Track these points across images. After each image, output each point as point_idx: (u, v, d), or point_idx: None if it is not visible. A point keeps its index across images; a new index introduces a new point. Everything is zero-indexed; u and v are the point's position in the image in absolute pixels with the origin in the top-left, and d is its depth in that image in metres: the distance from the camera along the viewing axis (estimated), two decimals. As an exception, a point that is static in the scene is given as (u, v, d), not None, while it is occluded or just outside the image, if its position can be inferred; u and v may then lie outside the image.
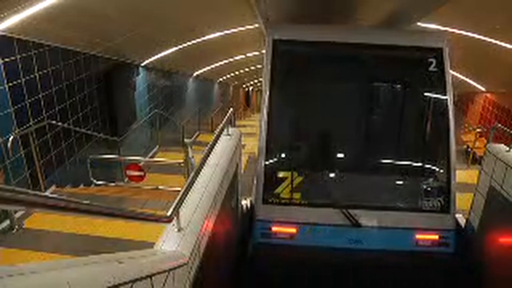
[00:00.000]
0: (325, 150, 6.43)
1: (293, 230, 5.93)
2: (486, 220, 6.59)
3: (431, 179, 6.10)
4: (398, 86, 6.73)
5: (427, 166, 6.25)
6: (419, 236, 5.86)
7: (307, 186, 6.03)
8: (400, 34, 6.93)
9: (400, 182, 6.32)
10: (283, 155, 6.32)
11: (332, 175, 6.25)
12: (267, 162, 6.00)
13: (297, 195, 6.01)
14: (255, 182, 6.23)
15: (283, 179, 6.05)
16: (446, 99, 6.04)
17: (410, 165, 6.37)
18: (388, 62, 6.37)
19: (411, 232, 5.87)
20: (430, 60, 6.09)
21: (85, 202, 2.15)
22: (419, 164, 6.31)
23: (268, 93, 6.08)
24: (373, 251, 5.83)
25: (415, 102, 6.57)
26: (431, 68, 6.09)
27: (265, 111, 6.08)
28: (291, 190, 6.01)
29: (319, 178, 6.17)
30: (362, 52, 6.26)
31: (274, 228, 5.96)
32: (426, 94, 6.37)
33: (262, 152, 6.04)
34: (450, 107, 6.04)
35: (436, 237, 5.89)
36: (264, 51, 6.39)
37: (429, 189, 6.01)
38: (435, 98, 6.24)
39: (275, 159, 6.13)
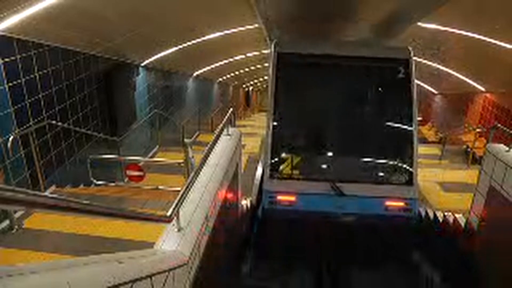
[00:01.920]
0: (317, 139, 8.36)
1: (292, 198, 7.78)
2: (486, 220, 6.61)
3: (398, 160, 8.02)
4: (375, 88, 8.67)
5: (396, 150, 8.13)
6: (389, 203, 7.69)
7: (303, 165, 8.04)
8: (377, 48, 9.22)
9: (374, 162, 8.16)
10: (284, 142, 8.16)
11: (322, 157, 8.21)
12: (272, 148, 7.91)
13: (295, 172, 8.01)
14: (263, 162, 8.62)
15: (285, 160, 8.05)
16: (411, 99, 7.91)
17: (382, 149, 8.18)
18: (367, 69, 8.36)
19: (382, 200, 7.67)
20: (400, 68, 8.11)
21: (85, 202, 2.15)
22: (390, 149, 8.18)
23: (273, 94, 8.01)
24: (353, 214, 7.72)
25: (388, 101, 8.55)
26: (400, 75, 8.14)
27: (271, 109, 7.98)
28: (291, 168, 8.00)
29: (313, 159, 8.20)
30: (346, 62, 8.23)
31: (278, 197, 7.81)
32: (396, 94, 8.34)
33: (269, 139, 7.94)
34: (414, 105, 7.89)
35: (402, 204, 7.71)
36: (270, 60, 8.31)
37: (396, 167, 7.99)
38: (403, 97, 8.03)
39: (279, 145, 7.99)
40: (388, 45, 10.50)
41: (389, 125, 8.22)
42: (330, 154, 8.19)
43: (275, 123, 7.98)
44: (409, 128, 7.86)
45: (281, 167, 7.99)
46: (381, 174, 8.05)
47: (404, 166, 7.86)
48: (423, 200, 9.37)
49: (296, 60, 8.34)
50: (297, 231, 7.98)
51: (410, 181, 7.68)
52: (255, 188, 9.62)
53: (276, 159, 7.98)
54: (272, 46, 8.26)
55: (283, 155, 8.07)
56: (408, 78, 8.01)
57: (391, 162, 8.08)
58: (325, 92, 8.52)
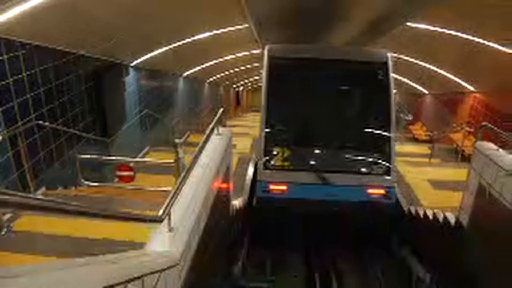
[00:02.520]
0: (305, 134, 9.20)
1: (284, 187, 8.67)
2: (475, 217, 6.66)
3: (377, 153, 8.88)
4: (356, 88, 9.57)
5: (375, 144, 9.00)
6: (371, 191, 8.66)
7: (293, 158, 8.91)
8: (358, 52, 10.02)
9: (358, 156, 9.04)
10: (276, 137, 9.02)
11: (310, 150, 8.99)
12: (265, 142, 8.83)
13: (286, 164, 8.91)
14: (257, 155, 9.51)
15: (277, 154, 8.91)
16: (389, 98, 8.83)
17: (363, 144, 9.11)
18: (349, 71, 9.16)
19: (365, 188, 8.63)
20: (378, 70, 8.97)
21: (75, 203, 2.13)
22: (369, 143, 9.10)
23: (266, 94, 8.94)
24: (339, 201, 8.55)
25: (368, 99, 9.49)
26: (378, 76, 8.99)
27: (264, 107, 8.89)
28: (282, 160, 8.90)
29: (302, 153, 8.96)
30: (330, 65, 9.06)
31: (271, 186, 8.68)
32: (374, 94, 9.24)
33: (262, 134, 8.84)
34: (392, 103, 8.81)
35: (383, 191, 8.67)
36: (263, 63, 9.31)
37: (377, 160, 8.85)
38: (382, 97, 8.94)
39: (271, 140, 8.90)
40: (368, 50, 11.27)
41: (369, 122, 9.26)
42: (317, 147, 9.05)
43: (268, 120, 8.91)
44: (387, 125, 8.84)
45: (273, 160, 8.90)
46: (362, 165, 8.95)
47: (383, 158, 8.82)
48: (412, 198, 9.47)
49: (285, 63, 9.16)
50: (288, 217, 9.77)
51: (388, 172, 8.70)
52: (247, 187, 10.07)
53: (269, 153, 8.87)
54: (265, 51, 9.25)
55: (275, 148, 8.95)
56: (386, 79, 8.93)
57: (371, 155, 8.98)
58: (312, 91, 9.42)
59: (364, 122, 9.30)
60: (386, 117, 8.82)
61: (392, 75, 8.92)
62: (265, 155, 8.81)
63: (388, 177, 8.67)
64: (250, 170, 11.54)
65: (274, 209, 8.95)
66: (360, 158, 9.03)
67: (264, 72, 9.18)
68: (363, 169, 8.85)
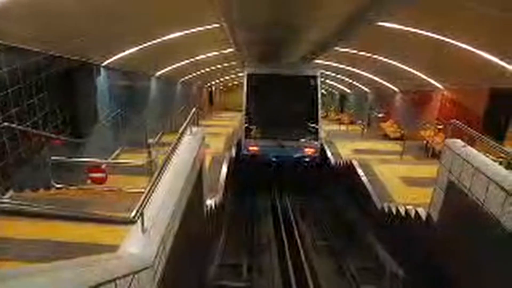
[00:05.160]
0: (268, 118, 15.77)
1: (256, 148, 15.56)
2: (445, 213, 6.81)
3: (311, 129, 15.71)
4: (298, 91, 16.17)
5: (309, 124, 15.82)
6: (306, 150, 15.53)
7: (262, 132, 15.58)
8: (300, 68, 16.79)
9: (299, 130, 15.84)
10: (252, 121, 15.78)
11: (271, 127, 15.55)
12: (246, 123, 15.75)
13: (257, 136, 15.56)
14: (241, 133, 16.18)
15: (252, 130, 15.65)
16: (318, 97, 15.84)
17: (302, 123, 15.93)
18: (294, 81, 16.05)
19: (302, 148, 15.55)
20: (313, 81, 15.89)
21: (46, 206, 2.10)
22: (306, 124, 15.88)
23: (246, 98, 15.94)
24: (288, 156, 15.47)
25: (305, 99, 16.07)
26: (312, 84, 15.92)
27: (244, 106, 15.83)
28: (255, 134, 15.57)
29: (265, 129, 15.63)
30: (283, 77, 15.94)
31: (249, 148, 15.59)
32: (309, 95, 15.92)
33: (243, 119, 15.79)
34: (319, 101, 15.86)
35: (313, 150, 15.50)
36: (244, 76, 16.48)
37: (309, 132, 15.71)
38: (313, 97, 15.85)
39: (249, 123, 15.73)
40: (307, 66, 18.02)
41: (305, 111, 16.17)
42: (274, 126, 15.75)
43: (247, 110, 16.01)
44: (316, 113, 15.99)
45: (251, 133, 15.91)
46: (301, 136, 15.98)
47: (313, 132, 15.92)
48: (383, 195, 9.63)
49: (257, 77, 16.30)
50: (258, 163, 16.20)
51: (316, 139, 15.83)
52: (221, 187, 10.35)
53: (248, 129, 15.93)
54: (245, 69, 16.74)
55: (251, 127, 15.94)
56: (316, 86, 16.11)
57: (306, 130, 16.01)
58: (272, 93, 16.22)
59: (302, 111, 16.22)
60: (316, 108, 16.04)
61: (320, 83, 16.37)
62: (245, 131, 15.95)
63: (316, 142, 15.87)
64: (224, 170, 11.55)
65: (250, 158, 16.05)
66: (300, 132, 16.03)
67: (244, 81, 16.44)
68: (302, 138, 15.97)
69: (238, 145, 16.42)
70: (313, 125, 15.81)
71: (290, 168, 16.74)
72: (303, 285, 9.44)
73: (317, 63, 19.53)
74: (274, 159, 15.76)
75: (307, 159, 15.78)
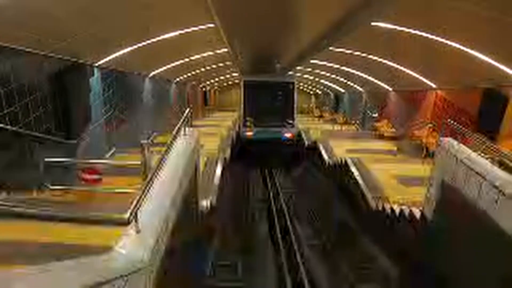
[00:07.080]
0: (259, 113, 23.43)
1: (251, 133, 23.32)
2: (439, 211, 6.85)
3: (289, 118, 23.89)
4: (280, 94, 24.42)
5: (288, 116, 23.93)
6: (286, 135, 23.71)
7: (254, 122, 23.35)
8: (282, 76, 25.75)
9: (281, 120, 23.76)
10: (247, 114, 23.51)
11: (261, 119, 23.31)
12: (244, 117, 23.59)
13: (251, 124, 23.32)
14: (239, 123, 24.28)
15: (248, 121, 23.40)
16: (294, 98, 24.22)
17: (283, 115, 23.84)
18: (277, 86, 24.52)
19: (284, 132, 23.72)
20: (290, 86, 24.24)
21: (39, 207, 2.09)
22: (285, 115, 23.86)
23: (243, 98, 23.78)
24: (274, 138, 23.45)
25: (285, 99, 24.22)
26: (290, 88, 24.23)
27: (241, 104, 23.76)
28: (250, 124, 23.34)
29: (258, 120, 23.39)
30: (270, 83, 24.41)
31: (246, 133, 23.35)
32: (288, 96, 24.17)
33: (241, 113, 23.77)
34: (296, 100, 24.28)
35: (291, 134, 23.74)
36: (241, 84, 24.26)
37: (288, 120, 23.86)
38: (291, 98, 24.13)
39: (246, 115, 23.58)
40: (288, 75, 26.78)
41: (285, 108, 23.79)
42: (264, 118, 23.05)
43: (245, 107, 23.39)
44: (292, 108, 23.83)
45: (247, 123, 23.06)
46: (283, 124, 23.45)
47: (291, 121, 23.61)
48: (378, 194, 9.70)
49: (250, 83, 23.79)
50: (253, 145, 23.06)
51: (293, 126, 23.62)
52: (215, 188, 10.33)
53: (245, 121, 23.08)
54: (242, 77, 24.41)
55: (248, 119, 23.10)
56: (293, 89, 24.00)
57: (286, 120, 23.55)
58: (262, 96, 23.73)
59: (283, 107, 23.79)
60: (292, 105, 23.80)
61: (296, 87, 24.17)
62: (243, 122, 22.99)
63: (292, 128, 23.46)
64: (218, 171, 11.54)
65: (247, 141, 22.89)
66: (282, 121, 23.36)
67: (241, 87, 23.68)
68: (284, 126, 23.33)
69: (238, 132, 23.59)
70: (291, 117, 23.78)
71: (275, 150, 23.66)
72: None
73: (299, 70, 27.26)
74: (263, 141, 23.10)
75: (287, 141, 23.49)
